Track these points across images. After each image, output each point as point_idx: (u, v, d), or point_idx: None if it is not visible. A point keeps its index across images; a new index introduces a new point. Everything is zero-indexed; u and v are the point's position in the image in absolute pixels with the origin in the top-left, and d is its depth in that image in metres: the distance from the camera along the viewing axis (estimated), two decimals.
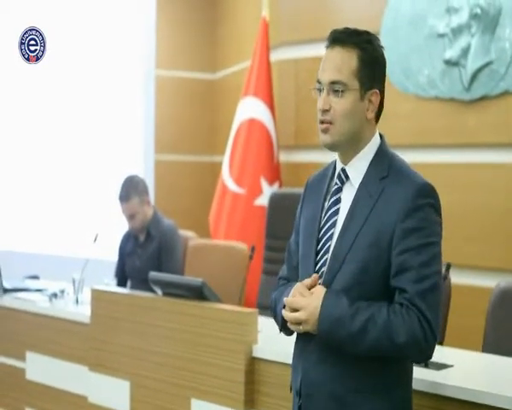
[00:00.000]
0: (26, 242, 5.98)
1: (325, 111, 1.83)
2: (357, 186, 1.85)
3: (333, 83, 1.82)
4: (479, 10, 3.89)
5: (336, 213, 1.86)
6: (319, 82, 1.85)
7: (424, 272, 1.74)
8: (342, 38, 1.84)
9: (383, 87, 1.89)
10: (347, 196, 1.86)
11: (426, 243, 1.75)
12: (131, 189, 4.05)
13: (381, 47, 1.89)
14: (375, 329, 1.72)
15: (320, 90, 1.85)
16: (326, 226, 1.86)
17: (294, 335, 1.94)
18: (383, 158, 1.85)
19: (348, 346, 1.76)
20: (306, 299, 1.78)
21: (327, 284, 1.81)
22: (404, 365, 1.85)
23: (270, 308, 2.01)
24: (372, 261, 1.77)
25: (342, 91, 1.82)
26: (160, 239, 4.08)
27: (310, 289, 1.81)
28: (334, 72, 1.82)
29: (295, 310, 1.79)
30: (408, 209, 1.76)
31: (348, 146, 1.86)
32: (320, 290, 1.78)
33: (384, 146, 1.88)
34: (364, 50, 1.84)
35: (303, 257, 1.92)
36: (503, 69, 3.81)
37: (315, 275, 1.83)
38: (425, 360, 1.83)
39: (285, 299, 1.83)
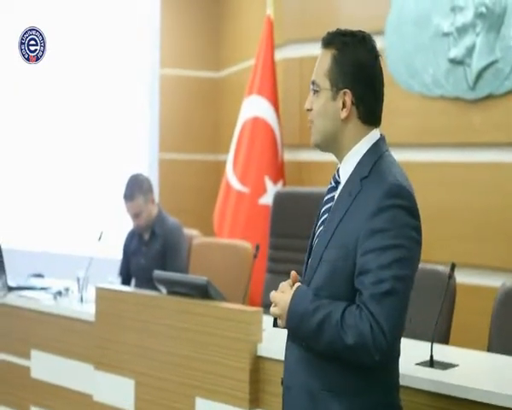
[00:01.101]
0: (31, 240, 5.99)
1: (308, 111, 1.90)
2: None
3: (312, 83, 1.89)
4: (484, 9, 3.88)
5: (328, 211, 1.89)
6: None
7: (382, 276, 1.69)
8: (326, 39, 1.88)
9: (369, 89, 1.86)
10: (338, 195, 1.89)
11: (389, 245, 1.71)
12: (136, 187, 4.05)
13: (369, 49, 1.86)
14: (330, 328, 1.73)
15: None
16: (318, 224, 1.91)
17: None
18: (370, 158, 1.84)
19: (310, 342, 1.80)
20: (282, 295, 1.84)
21: (307, 282, 1.84)
22: (384, 370, 1.81)
23: None
24: (340, 261, 1.77)
25: (317, 91, 1.87)
26: (165, 238, 4.08)
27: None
28: (313, 73, 1.90)
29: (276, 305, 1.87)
30: (375, 210, 1.73)
31: (330, 146, 1.90)
32: (294, 287, 1.84)
33: (377, 146, 1.87)
34: (340, 51, 1.85)
35: (306, 255, 1.96)
36: (508, 68, 3.81)
37: (293, 272, 1.89)
38: (376, 364, 1.72)
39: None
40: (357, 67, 1.84)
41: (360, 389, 1.78)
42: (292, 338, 1.88)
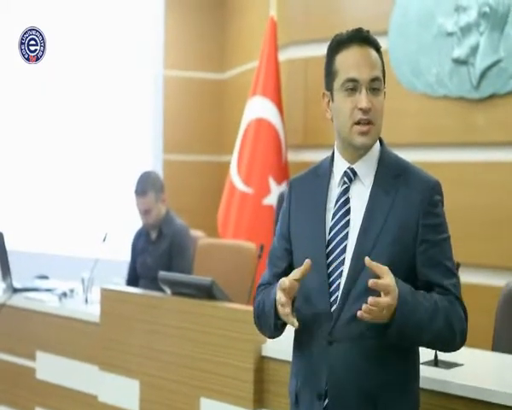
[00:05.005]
0: (36, 242, 6.00)
1: (367, 110, 1.79)
2: (367, 184, 1.85)
3: (373, 80, 1.81)
4: (487, 9, 3.88)
5: (347, 212, 1.85)
6: (353, 80, 1.80)
7: (451, 266, 1.82)
8: (369, 38, 1.85)
9: None
10: (357, 194, 1.86)
11: (446, 238, 1.83)
12: (148, 184, 4.05)
13: None
14: (441, 316, 1.74)
15: (352, 90, 1.81)
16: (338, 226, 1.85)
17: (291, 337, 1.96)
18: (389, 157, 1.89)
19: (415, 333, 1.73)
20: (392, 284, 1.67)
21: (350, 283, 1.79)
22: (418, 358, 1.89)
23: (257, 313, 1.96)
24: (397, 257, 1.78)
25: (379, 89, 1.83)
26: (172, 239, 4.08)
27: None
28: (373, 69, 1.82)
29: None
30: (428, 207, 1.81)
31: None
32: (392, 277, 1.68)
33: (385, 146, 1.91)
34: (379, 50, 1.87)
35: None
36: (511, 68, 3.80)
37: (307, 261, 1.76)
38: (459, 349, 1.85)
39: (374, 281, 1.65)
40: None
41: (410, 380, 1.85)
42: (342, 342, 1.79)
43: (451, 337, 1.78)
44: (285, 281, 1.76)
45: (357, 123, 1.80)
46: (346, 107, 1.81)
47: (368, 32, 1.86)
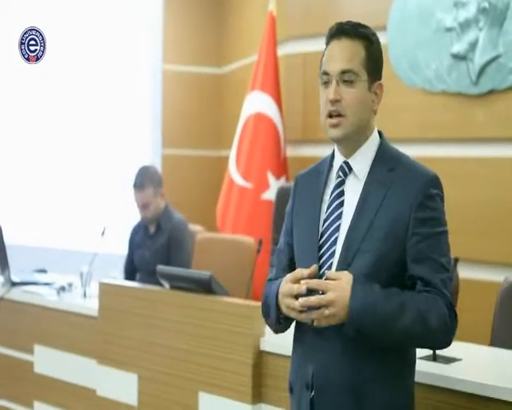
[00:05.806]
0: (34, 235, 6.00)
1: (336, 102, 1.82)
2: (361, 178, 1.86)
3: (344, 72, 1.82)
4: (486, 4, 3.88)
5: (341, 205, 1.86)
6: (326, 73, 1.84)
7: (443, 261, 1.77)
8: (349, 29, 1.85)
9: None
10: (351, 188, 1.86)
11: (440, 232, 1.79)
12: (147, 178, 4.06)
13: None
14: (410, 313, 1.71)
15: (326, 83, 1.84)
16: (330, 219, 1.86)
17: (292, 328, 1.95)
18: (387, 151, 1.88)
19: (379, 332, 1.71)
20: (334, 282, 1.71)
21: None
22: (412, 353, 1.87)
23: (264, 307, 1.96)
24: (388, 251, 1.77)
25: (353, 81, 1.82)
26: (170, 233, 4.08)
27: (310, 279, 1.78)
28: (344, 61, 1.82)
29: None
30: (422, 199, 1.78)
31: (355, 137, 1.86)
32: (348, 275, 1.73)
33: (385, 140, 1.91)
34: (371, 42, 1.86)
35: (303, 253, 1.90)
36: (510, 63, 3.80)
37: (314, 266, 1.79)
38: (446, 346, 1.81)
39: (308, 282, 1.73)
40: (382, 59, 1.89)
41: (400, 375, 1.82)
42: (331, 333, 1.78)
43: (427, 334, 1.73)
44: (302, 272, 1.78)
45: (330, 116, 1.83)
46: (322, 100, 1.85)
47: (354, 24, 1.86)
